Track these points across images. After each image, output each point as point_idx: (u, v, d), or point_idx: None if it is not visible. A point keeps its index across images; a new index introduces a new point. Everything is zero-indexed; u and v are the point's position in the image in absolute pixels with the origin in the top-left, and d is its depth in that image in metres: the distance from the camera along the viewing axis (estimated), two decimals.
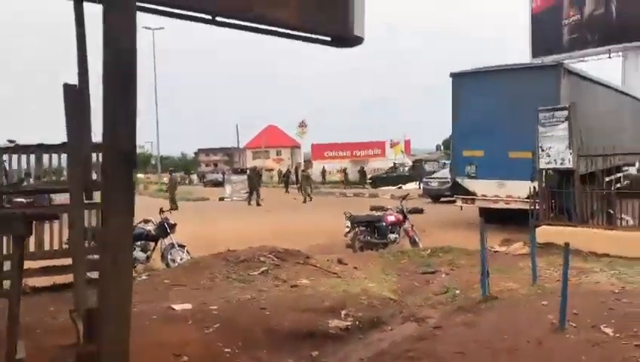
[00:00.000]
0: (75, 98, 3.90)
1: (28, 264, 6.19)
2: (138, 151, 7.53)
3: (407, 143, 48.97)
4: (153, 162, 62.51)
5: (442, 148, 51.43)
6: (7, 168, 6.25)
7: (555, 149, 9.57)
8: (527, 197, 10.80)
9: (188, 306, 5.17)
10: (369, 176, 39.30)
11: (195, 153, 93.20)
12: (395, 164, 40.41)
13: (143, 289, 6.04)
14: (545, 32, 30.58)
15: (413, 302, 5.88)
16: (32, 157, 6.36)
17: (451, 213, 15.68)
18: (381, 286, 6.41)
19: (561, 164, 9.46)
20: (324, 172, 42.16)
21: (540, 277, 6.25)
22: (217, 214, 19.65)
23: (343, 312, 5.17)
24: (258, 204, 24.04)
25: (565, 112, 9.65)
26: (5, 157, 6.25)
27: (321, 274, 6.89)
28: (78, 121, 3.94)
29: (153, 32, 41.18)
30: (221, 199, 29.31)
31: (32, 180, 6.33)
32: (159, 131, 44.92)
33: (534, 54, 30.91)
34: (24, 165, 6.29)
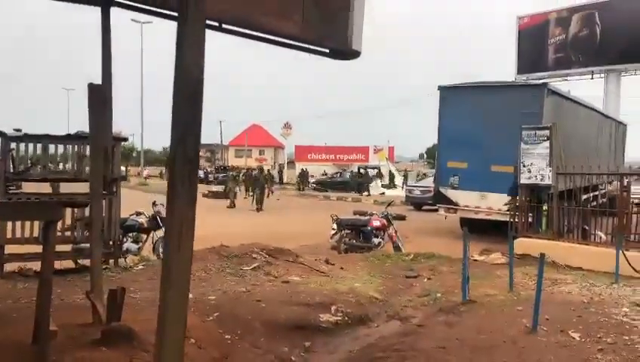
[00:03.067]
0: (99, 96, 4.19)
1: (26, 249, 6.47)
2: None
3: (391, 150, 49.57)
4: (134, 155, 61.98)
5: (425, 157, 52.14)
6: (15, 156, 6.47)
7: (536, 166, 10.06)
8: (507, 210, 11.30)
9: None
10: (312, 181, 38.85)
11: None
12: (342, 170, 41.05)
13: (141, 278, 6.31)
14: (531, 50, 31.37)
15: (398, 302, 6.23)
16: (39, 146, 6.60)
17: (433, 221, 16.17)
18: (367, 287, 6.76)
19: (541, 180, 9.96)
20: (305, 174, 42.08)
21: (516, 285, 6.67)
22: (204, 211, 19.88)
23: (333, 308, 5.52)
24: (259, 209, 21.48)
25: (547, 132, 10.16)
26: (13, 145, 6.47)
27: (310, 273, 7.24)
28: (101, 117, 4.22)
29: (142, 25, 41.02)
30: (205, 195, 29.45)
31: (38, 168, 6.56)
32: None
33: (520, 71, 31.68)
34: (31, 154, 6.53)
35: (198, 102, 1.89)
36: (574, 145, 12.72)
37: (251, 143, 61.46)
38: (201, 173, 49.51)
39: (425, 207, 20.46)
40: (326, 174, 41.31)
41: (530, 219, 10.28)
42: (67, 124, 55.14)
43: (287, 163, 51.25)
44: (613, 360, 4.02)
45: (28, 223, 6.34)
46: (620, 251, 7.57)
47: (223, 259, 7.14)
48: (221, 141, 70.55)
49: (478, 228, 12.47)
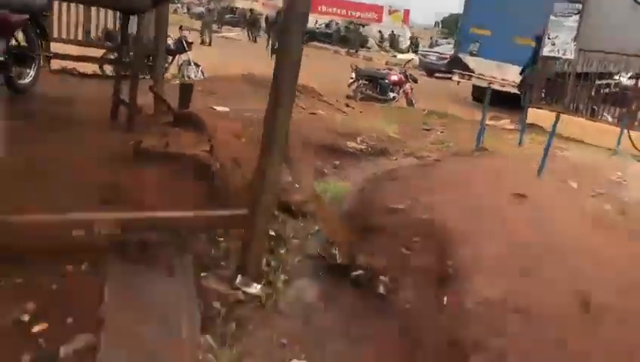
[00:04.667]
0: None
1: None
2: None
3: (406, 13, 47.59)
4: None
5: (441, 26, 50.34)
6: None
7: (561, 39, 10.09)
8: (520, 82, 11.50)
9: (226, 109, 5.92)
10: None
11: None
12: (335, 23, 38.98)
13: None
14: None
15: (414, 145, 6.76)
16: None
17: (445, 89, 16.39)
18: (386, 128, 7.25)
19: (563, 54, 10.06)
20: (257, 19, 39.82)
21: (523, 147, 7.20)
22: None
23: (359, 138, 6.05)
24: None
25: (579, 5, 10.03)
26: None
27: (334, 110, 7.68)
28: None
29: None
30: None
31: None
32: None
33: None
34: None
35: None
36: (607, 28, 12.43)
37: None
38: (204, 10, 47.71)
39: (437, 75, 20.49)
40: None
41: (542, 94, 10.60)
42: None
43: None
44: (603, 204, 4.66)
45: (73, 25, 6.54)
46: (625, 130, 8.06)
47: (254, 85, 7.49)
48: None
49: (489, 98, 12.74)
